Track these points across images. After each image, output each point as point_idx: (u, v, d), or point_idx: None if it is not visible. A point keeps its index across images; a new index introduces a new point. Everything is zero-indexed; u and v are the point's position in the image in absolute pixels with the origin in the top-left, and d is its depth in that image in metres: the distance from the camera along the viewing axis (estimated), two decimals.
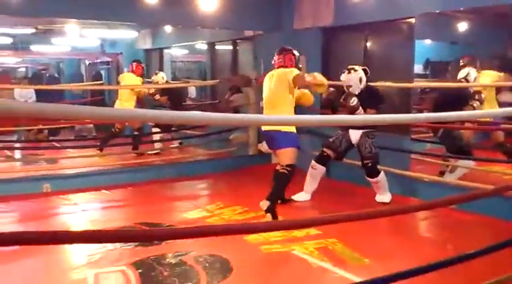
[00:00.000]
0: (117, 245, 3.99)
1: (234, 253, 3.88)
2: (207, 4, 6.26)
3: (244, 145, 7.51)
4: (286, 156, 4.78)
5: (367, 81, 5.34)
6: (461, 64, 5.87)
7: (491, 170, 5.50)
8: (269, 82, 4.95)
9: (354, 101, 5.19)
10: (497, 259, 2.91)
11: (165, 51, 10.64)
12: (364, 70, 5.36)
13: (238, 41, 8.58)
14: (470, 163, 5.54)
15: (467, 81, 5.69)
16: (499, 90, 5.86)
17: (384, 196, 5.36)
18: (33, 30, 9.50)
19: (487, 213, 4.62)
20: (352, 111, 5.19)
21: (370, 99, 5.25)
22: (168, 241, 3.94)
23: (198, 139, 8.26)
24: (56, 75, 12.82)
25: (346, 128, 5.40)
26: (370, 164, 5.26)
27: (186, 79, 10.11)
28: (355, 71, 5.33)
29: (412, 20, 5.72)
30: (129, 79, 8.07)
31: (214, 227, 3.32)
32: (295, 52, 4.99)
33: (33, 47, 11.29)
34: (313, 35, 6.84)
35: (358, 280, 3.34)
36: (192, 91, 10.65)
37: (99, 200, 5.74)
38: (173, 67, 11.15)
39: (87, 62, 12.98)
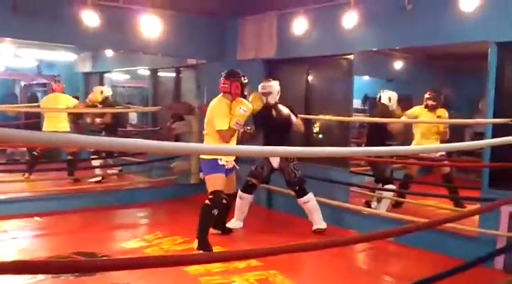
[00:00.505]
0: (49, 276, 3.79)
1: None
2: (150, 30, 6.21)
3: (186, 173, 7.42)
4: (208, 184, 4.75)
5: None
6: (427, 96, 6.13)
7: (424, 204, 5.72)
8: (207, 113, 4.91)
9: (251, 128, 5.29)
10: None
11: (106, 75, 10.42)
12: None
13: (181, 68, 8.56)
14: (390, 194, 5.78)
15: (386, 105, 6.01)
16: None
17: (318, 223, 5.39)
18: None
19: (421, 246, 4.79)
20: (283, 123, 5.35)
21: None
22: (104, 272, 3.78)
23: (138, 166, 8.09)
24: None
25: None
26: (297, 188, 5.37)
27: (127, 104, 9.94)
28: (274, 80, 5.54)
29: (352, 57, 5.94)
30: (61, 99, 7.77)
31: (151, 258, 3.23)
32: (244, 80, 4.92)
33: None
34: (256, 65, 6.94)
35: None
36: (133, 117, 10.47)
37: (31, 228, 5.45)
38: (114, 92, 10.92)
39: (22, 83, 12.49)
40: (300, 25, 6.11)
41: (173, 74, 8.78)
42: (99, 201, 6.44)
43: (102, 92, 8.09)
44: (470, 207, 5.21)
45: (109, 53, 9.45)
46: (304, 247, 2.61)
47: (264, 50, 6.80)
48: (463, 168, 6.47)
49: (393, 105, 6.05)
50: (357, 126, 6.75)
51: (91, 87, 10.51)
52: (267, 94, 5.38)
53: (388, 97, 6.04)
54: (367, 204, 5.94)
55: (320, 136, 6.79)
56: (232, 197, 5.23)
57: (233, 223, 5.54)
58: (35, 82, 12.08)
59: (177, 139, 7.29)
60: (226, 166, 4.77)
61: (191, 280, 3.94)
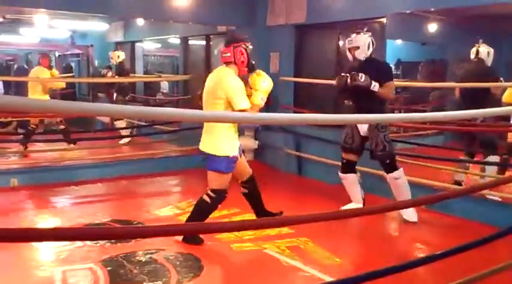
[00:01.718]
0: (86, 242, 3.93)
1: (205, 252, 3.87)
2: None
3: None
4: (212, 179, 4.06)
5: (373, 56, 4.68)
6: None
7: (457, 170, 5.60)
8: (207, 89, 4.02)
9: (361, 77, 4.45)
10: (466, 259, 2.97)
11: (137, 44, 10.48)
12: (373, 42, 4.71)
13: (211, 36, 8.52)
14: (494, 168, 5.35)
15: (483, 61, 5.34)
16: None
17: (407, 211, 4.62)
18: (1, 20, 9.24)
19: (454, 213, 4.72)
20: (366, 89, 4.46)
21: (380, 71, 4.58)
22: (139, 239, 3.90)
23: (171, 135, 8.18)
24: (25, 67, 12.51)
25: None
26: (386, 161, 4.64)
27: (158, 73, 10.00)
28: (365, 32, 4.69)
29: (384, 20, 5.78)
30: (38, 73, 7.93)
31: (184, 225, 3.30)
32: (248, 44, 4.04)
33: (1, 37, 10.98)
34: (286, 31, 6.86)
35: (329, 279, 3.37)
36: (165, 86, 10.55)
37: (70, 196, 5.63)
38: (145, 61, 11.00)
39: (57, 54, 12.71)
40: None
41: (203, 42, 8.75)
42: (133, 169, 6.57)
43: (119, 57, 8.75)
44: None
45: (140, 22, 9.48)
46: (335, 215, 2.61)
47: (294, 15, 6.68)
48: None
49: (489, 62, 5.34)
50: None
51: (125, 56, 10.63)
52: (353, 49, 4.63)
53: (487, 52, 5.28)
54: (458, 184, 5.29)
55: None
56: (253, 181, 4.41)
57: (351, 206, 4.92)
58: (69, 52, 12.28)
59: None
60: (237, 157, 4.08)
61: (223, 246, 4.01)
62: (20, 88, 9.63)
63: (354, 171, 4.89)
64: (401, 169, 4.64)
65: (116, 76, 8.64)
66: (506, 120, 5.72)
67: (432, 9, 5.63)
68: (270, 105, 6.84)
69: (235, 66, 3.96)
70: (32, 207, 5.27)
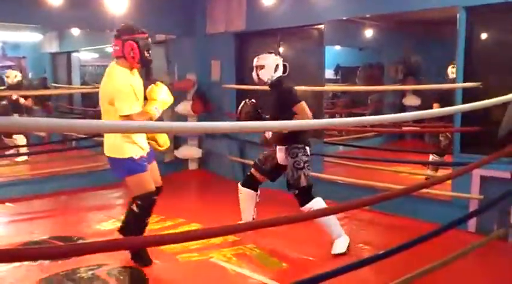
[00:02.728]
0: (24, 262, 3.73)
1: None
2: (117, 6, 6.04)
3: (159, 152, 7.34)
4: (131, 186, 3.69)
5: (280, 81, 4.21)
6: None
7: (398, 170, 5.77)
8: (100, 90, 3.60)
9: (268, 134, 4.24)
10: (410, 256, 3.04)
11: (73, 54, 10.16)
12: (284, 65, 4.28)
13: None
14: None
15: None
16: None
17: (336, 243, 4.07)
18: None
19: (396, 212, 4.86)
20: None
21: (282, 95, 4.13)
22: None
23: None
24: None
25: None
26: (296, 191, 4.11)
27: (97, 84, 9.73)
28: (276, 54, 4.33)
29: (322, 27, 5.89)
30: None
31: (127, 239, 3.20)
32: (142, 36, 3.57)
33: None
34: (227, 39, 6.85)
35: None
36: None
37: (4, 213, 5.35)
38: (82, 71, 10.67)
39: None
40: None
41: None
42: (72, 183, 6.32)
43: (16, 76, 8.51)
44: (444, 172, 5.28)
45: (76, 31, 9.19)
46: (280, 221, 2.60)
47: (233, 23, 6.69)
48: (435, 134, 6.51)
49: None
50: (330, 97, 6.75)
51: (60, 67, 10.28)
52: (258, 67, 4.24)
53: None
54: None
55: None
56: (155, 196, 3.81)
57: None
58: (0, 64, 11.72)
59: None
60: (145, 157, 3.67)
61: (169, 258, 3.92)
62: None
63: (255, 189, 4.46)
64: (318, 199, 4.09)
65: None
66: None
67: (367, 16, 5.79)
68: (213, 112, 6.84)
69: (125, 61, 3.53)
70: None
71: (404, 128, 6.05)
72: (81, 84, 10.13)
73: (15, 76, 8.46)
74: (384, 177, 5.58)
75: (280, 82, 4.20)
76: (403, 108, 6.42)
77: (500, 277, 3.61)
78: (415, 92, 6.84)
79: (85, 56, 10.56)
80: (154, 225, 4.83)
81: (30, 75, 10.86)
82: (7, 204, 5.61)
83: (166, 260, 3.89)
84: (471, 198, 4.43)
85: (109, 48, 9.65)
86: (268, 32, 6.54)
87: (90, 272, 3.62)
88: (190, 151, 7.17)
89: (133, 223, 3.75)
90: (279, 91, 4.17)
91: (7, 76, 8.58)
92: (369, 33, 6.60)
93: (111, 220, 5.03)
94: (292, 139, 4.08)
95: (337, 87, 6.46)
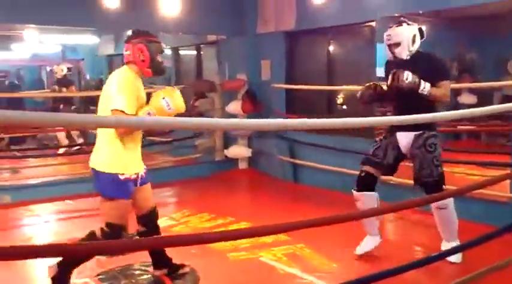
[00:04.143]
0: None
1: (200, 262, 3.82)
2: (169, 9, 6.18)
3: (210, 151, 7.46)
4: (104, 209, 3.26)
5: (420, 51, 3.70)
6: None
7: (453, 171, 5.60)
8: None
9: (408, 76, 3.46)
10: (464, 260, 2.97)
11: None
12: (419, 29, 3.73)
13: (202, 45, 8.53)
14: None
15: None
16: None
17: (450, 243, 3.68)
18: None
19: None
20: (412, 92, 3.50)
21: (432, 68, 3.63)
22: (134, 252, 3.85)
23: (163, 146, 8.14)
24: (16, 82, 12.49)
25: (391, 129, 3.81)
26: (431, 189, 3.63)
27: (150, 85, 9.98)
28: (408, 24, 3.73)
29: (373, 24, 5.80)
30: None
31: (177, 237, 3.26)
32: (152, 39, 3.29)
33: None
34: (277, 39, 6.87)
35: None
36: None
37: (63, 211, 5.58)
38: None
39: (48, 68, 12.70)
40: None
41: (194, 52, 8.77)
42: None
43: (62, 70, 9.13)
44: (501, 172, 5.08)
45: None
46: (330, 220, 2.59)
47: (283, 22, 6.69)
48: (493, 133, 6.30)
49: None
50: None
51: (115, 69, 10.59)
52: (393, 46, 3.68)
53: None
54: None
55: (344, 107, 6.71)
56: (154, 214, 3.55)
57: (366, 242, 3.96)
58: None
59: (200, 117, 7.30)
60: (133, 179, 3.23)
61: (219, 256, 3.98)
62: (11, 104, 9.66)
63: (373, 189, 3.84)
64: (451, 198, 3.67)
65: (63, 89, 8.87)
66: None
67: (420, 12, 5.65)
68: (263, 112, 6.87)
69: (135, 66, 3.23)
70: (25, 223, 5.21)
71: (459, 127, 5.86)
72: None
73: (62, 70, 9.00)
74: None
75: (421, 52, 3.69)
76: (457, 107, 6.22)
77: None
78: (471, 90, 6.62)
79: None
80: (205, 223, 4.92)
81: (87, 77, 11.30)
82: (66, 201, 5.84)
83: (216, 258, 3.95)
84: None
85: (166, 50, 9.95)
86: (319, 31, 6.51)
87: (144, 268, 3.72)
88: (240, 151, 7.23)
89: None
90: (427, 62, 3.67)
91: (55, 72, 9.13)
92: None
93: (163, 218, 5.13)
94: (426, 123, 3.51)
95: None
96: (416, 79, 3.47)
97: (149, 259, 3.70)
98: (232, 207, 5.53)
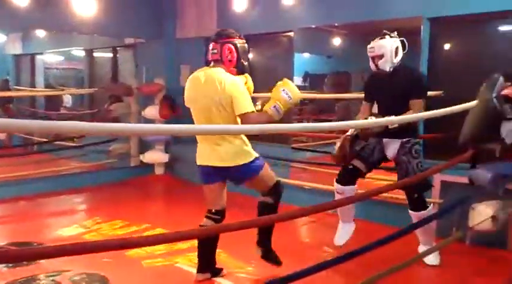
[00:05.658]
0: None
1: (113, 270, 3.68)
2: (85, 9, 5.96)
3: (125, 156, 7.26)
4: (260, 182, 3.63)
5: (401, 63, 3.79)
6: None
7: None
8: (201, 93, 3.41)
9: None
10: (371, 259, 3.07)
11: (38, 57, 9.95)
12: (401, 41, 3.80)
13: (118, 48, 8.29)
14: None
15: None
16: None
17: (426, 246, 3.89)
18: None
19: (360, 217, 4.89)
20: (396, 100, 3.70)
21: (409, 85, 3.70)
22: (40, 261, 3.64)
23: (74, 151, 7.80)
24: None
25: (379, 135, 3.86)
26: (414, 195, 3.78)
27: (61, 87, 9.56)
28: (391, 37, 3.78)
29: (292, 34, 5.96)
30: None
31: (88, 243, 3.11)
32: (241, 40, 3.43)
33: None
34: (197, 44, 6.82)
35: None
36: (68, 100, 10.08)
37: None
38: (47, 74, 10.46)
39: None
40: (240, 2, 6.05)
41: (110, 54, 8.50)
42: (33, 188, 6.16)
43: None
44: None
45: (41, 33, 9.01)
46: (247, 224, 2.59)
47: (204, 28, 6.68)
48: None
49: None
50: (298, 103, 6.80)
51: (23, 70, 10.05)
52: (376, 58, 3.76)
53: None
54: None
55: None
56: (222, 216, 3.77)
57: (345, 234, 4.18)
58: None
59: (115, 121, 7.08)
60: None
61: (133, 263, 3.85)
62: None
63: (354, 183, 3.98)
64: (430, 207, 3.86)
65: None
66: None
67: (336, 25, 5.88)
68: (181, 117, 6.79)
69: (223, 65, 3.38)
70: None
71: None
72: (46, 87, 9.92)
73: None
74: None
75: (402, 64, 3.77)
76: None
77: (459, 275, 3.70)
78: None
79: (50, 58, 10.36)
80: (118, 231, 4.75)
81: None
82: None
83: (130, 265, 3.82)
84: (432, 201, 4.52)
85: (75, 51, 9.56)
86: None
87: (51, 279, 3.52)
88: (156, 156, 7.10)
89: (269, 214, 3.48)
90: (408, 75, 3.75)
91: None
92: (337, 41, 6.69)
93: (73, 225, 4.91)
94: (411, 132, 3.73)
95: (305, 94, 6.51)
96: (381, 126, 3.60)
97: (56, 269, 3.51)
98: (148, 213, 5.40)
